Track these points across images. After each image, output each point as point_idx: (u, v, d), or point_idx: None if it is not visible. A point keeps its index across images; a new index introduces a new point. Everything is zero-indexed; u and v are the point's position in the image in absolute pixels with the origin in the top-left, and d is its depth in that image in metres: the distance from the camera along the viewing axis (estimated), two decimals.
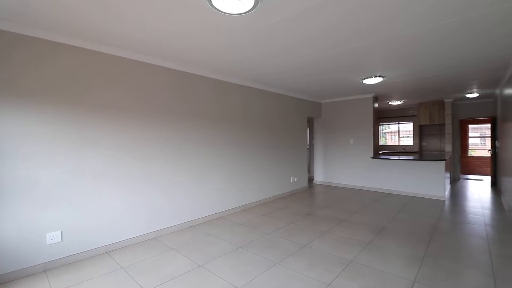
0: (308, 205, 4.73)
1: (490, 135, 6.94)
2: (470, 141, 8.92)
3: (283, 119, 5.47)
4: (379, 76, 4.21)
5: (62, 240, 2.54)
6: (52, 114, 2.47)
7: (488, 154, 8.36)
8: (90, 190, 2.72)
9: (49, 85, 2.45)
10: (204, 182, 3.83)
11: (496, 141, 6.17)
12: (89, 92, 2.70)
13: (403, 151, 8.48)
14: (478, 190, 5.93)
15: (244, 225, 3.65)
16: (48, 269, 2.45)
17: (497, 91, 5.58)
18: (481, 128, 8.91)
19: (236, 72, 3.88)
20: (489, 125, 8.34)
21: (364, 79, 4.37)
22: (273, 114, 5.19)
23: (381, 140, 9.34)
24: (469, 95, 6.13)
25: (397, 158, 5.60)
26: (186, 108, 3.58)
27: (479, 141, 8.97)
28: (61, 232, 2.54)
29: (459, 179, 7.64)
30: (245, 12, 2.00)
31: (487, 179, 7.51)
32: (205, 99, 3.85)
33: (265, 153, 4.97)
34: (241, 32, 2.44)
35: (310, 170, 7.93)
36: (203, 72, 3.76)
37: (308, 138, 7.88)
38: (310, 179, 7.50)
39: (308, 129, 7.93)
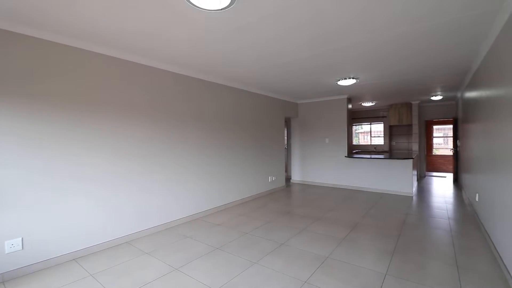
0: (285, 203, 4.79)
1: (452, 135, 7.48)
2: (435, 140, 9.56)
3: (261, 119, 5.49)
4: (353, 78, 4.36)
5: (22, 248, 2.34)
6: (7, 108, 2.26)
7: (451, 153, 9.01)
8: (55, 192, 2.53)
9: (6, 76, 2.24)
10: (180, 183, 3.72)
11: (458, 141, 6.67)
12: (46, 83, 2.51)
13: (375, 150, 8.88)
14: (442, 186, 6.37)
15: (222, 225, 3.60)
16: (6, 280, 2.24)
17: (458, 94, 6.02)
18: (444, 129, 9.58)
19: (211, 70, 3.82)
20: (451, 126, 8.99)
21: (339, 80, 4.51)
22: (250, 114, 5.18)
23: (354, 140, 9.71)
24: (434, 98, 6.56)
25: (369, 157, 5.84)
26: (155, 107, 3.46)
27: (442, 141, 9.64)
28: (22, 239, 2.33)
29: (425, 176, 8.16)
30: (221, 9, 1.97)
31: (450, 176, 8.08)
32: (177, 98, 3.74)
33: (243, 153, 4.95)
34: (217, 29, 2.40)
35: (287, 169, 8.03)
36: (174, 68, 3.66)
37: (286, 137, 7.98)
38: (288, 178, 7.60)
39: (286, 129, 8.04)
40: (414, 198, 5.15)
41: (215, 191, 4.32)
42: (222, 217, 4.00)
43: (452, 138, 7.51)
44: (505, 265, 2.24)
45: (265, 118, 5.61)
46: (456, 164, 6.96)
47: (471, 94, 4.23)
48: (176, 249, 2.84)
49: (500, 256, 2.41)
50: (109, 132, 2.93)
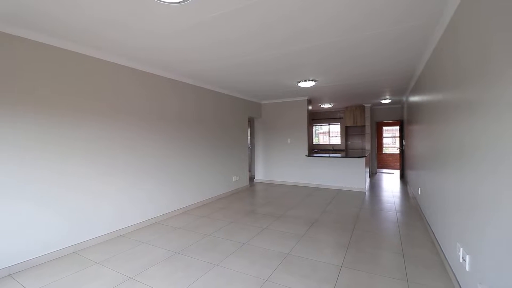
0: (249, 203, 4.79)
1: (399, 135, 8.23)
2: (384, 140, 10.44)
3: (225, 118, 5.42)
4: (312, 80, 4.54)
5: None
6: None
7: (398, 151, 9.92)
8: None
9: None
10: (136, 186, 3.50)
11: (403, 140, 7.36)
12: None
13: (333, 149, 9.38)
14: (390, 182, 6.98)
15: (182, 228, 3.47)
16: None
17: (404, 98, 6.65)
18: (392, 130, 10.50)
19: (173, 67, 3.66)
20: (398, 127, 9.89)
21: (300, 82, 4.66)
22: (214, 113, 5.09)
23: (315, 139, 10.14)
24: (383, 101, 7.16)
25: (327, 156, 6.15)
26: (109, 103, 3.21)
27: (391, 141, 10.57)
28: None
29: (376, 173, 8.85)
30: (179, 2, 1.89)
31: (397, 172, 8.89)
32: (134, 94, 3.52)
33: (206, 153, 4.84)
34: (177, 24, 2.30)
35: (251, 169, 8.07)
36: (134, 64, 3.43)
37: (249, 137, 8.01)
38: (251, 178, 7.64)
39: (249, 129, 8.07)
40: (367, 193, 5.55)
41: (176, 193, 4.15)
42: (183, 219, 3.86)
43: (398, 138, 8.28)
44: (442, 250, 2.53)
45: (228, 117, 5.56)
46: (402, 162, 7.68)
47: (414, 99, 4.70)
48: (131, 257, 2.65)
49: (438, 242, 2.71)
50: (55, 134, 2.62)
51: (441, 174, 2.54)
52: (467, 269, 1.77)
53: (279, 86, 5.07)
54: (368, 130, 8.14)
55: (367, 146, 8.21)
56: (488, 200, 1.43)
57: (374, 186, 6.37)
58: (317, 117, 9.73)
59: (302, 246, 2.85)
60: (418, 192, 4.27)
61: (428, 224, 3.25)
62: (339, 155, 6.35)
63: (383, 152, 10.34)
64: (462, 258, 1.85)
